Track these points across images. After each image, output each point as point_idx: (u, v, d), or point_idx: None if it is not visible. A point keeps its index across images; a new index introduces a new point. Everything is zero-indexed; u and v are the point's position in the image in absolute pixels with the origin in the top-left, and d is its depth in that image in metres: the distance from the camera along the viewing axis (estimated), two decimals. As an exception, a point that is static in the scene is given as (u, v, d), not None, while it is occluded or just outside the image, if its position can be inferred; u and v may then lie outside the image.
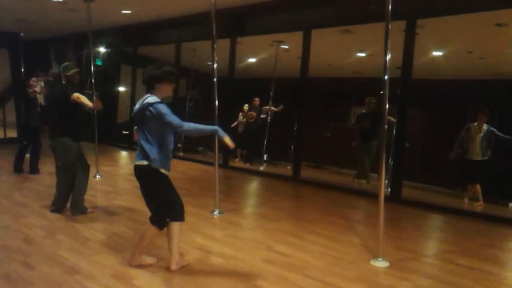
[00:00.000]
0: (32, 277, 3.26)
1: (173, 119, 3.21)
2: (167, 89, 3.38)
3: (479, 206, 6.70)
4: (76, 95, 4.85)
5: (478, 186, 6.80)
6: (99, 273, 3.38)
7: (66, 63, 5.17)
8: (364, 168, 7.96)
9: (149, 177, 3.33)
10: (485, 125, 6.75)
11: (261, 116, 9.73)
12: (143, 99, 3.29)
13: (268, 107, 9.45)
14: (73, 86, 5.04)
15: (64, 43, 12.86)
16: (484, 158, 6.75)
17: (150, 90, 3.33)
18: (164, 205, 3.42)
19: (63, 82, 5.05)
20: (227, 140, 3.40)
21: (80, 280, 3.24)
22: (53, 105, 5.14)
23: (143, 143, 3.27)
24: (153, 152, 3.25)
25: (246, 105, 9.89)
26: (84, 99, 4.92)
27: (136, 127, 3.56)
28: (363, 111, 8.17)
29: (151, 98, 3.25)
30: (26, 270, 3.39)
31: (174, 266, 3.42)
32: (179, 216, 3.42)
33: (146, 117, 3.24)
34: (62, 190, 4.98)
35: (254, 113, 9.64)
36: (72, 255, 3.74)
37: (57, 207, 5.00)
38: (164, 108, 3.22)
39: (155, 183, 3.36)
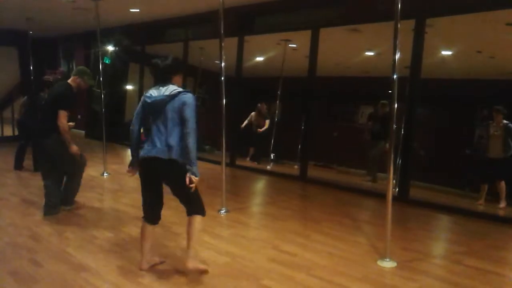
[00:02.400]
0: (39, 274, 3.28)
1: (193, 116, 3.16)
2: (180, 81, 3.38)
3: (502, 208, 6.36)
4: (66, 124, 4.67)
5: (503, 184, 6.49)
6: (106, 271, 3.39)
7: (86, 68, 5.01)
8: (372, 166, 8.08)
9: (173, 170, 3.20)
10: (504, 121, 6.53)
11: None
12: (166, 89, 3.20)
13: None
14: (74, 92, 4.86)
15: (72, 41, 12.93)
16: (505, 156, 6.49)
17: (165, 82, 3.26)
18: (193, 197, 3.31)
19: (69, 82, 4.84)
20: (195, 181, 3.19)
21: (87, 278, 3.25)
22: (49, 102, 4.85)
23: (162, 134, 3.18)
24: (173, 142, 3.16)
25: (253, 113, 9.67)
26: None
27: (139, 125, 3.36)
28: (376, 111, 8.25)
29: (178, 87, 3.23)
30: (34, 267, 3.41)
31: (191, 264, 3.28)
32: (203, 210, 3.36)
33: (172, 106, 3.15)
34: (55, 190, 4.86)
35: (264, 122, 9.51)
36: (79, 252, 3.76)
37: (55, 210, 4.85)
38: (193, 100, 3.19)
39: (181, 176, 3.17)
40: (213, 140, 10.71)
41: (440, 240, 4.99)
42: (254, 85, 10.89)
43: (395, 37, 3.81)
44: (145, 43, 11.13)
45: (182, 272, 3.42)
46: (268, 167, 8.88)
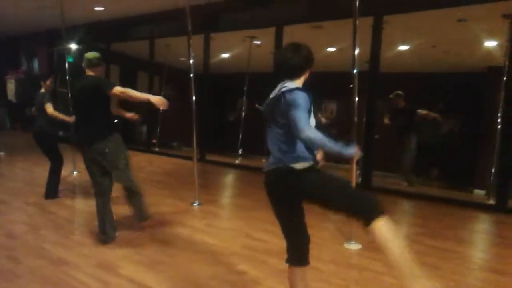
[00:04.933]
0: (19, 270, 3.34)
1: (301, 117, 2.34)
2: (306, 77, 2.67)
3: None
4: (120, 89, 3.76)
5: None
6: (85, 264, 3.49)
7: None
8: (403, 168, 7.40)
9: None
10: None
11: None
12: (279, 87, 2.52)
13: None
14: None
15: (35, 40, 12.64)
16: None
17: (290, 78, 2.58)
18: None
19: (91, 74, 4.18)
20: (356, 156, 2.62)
21: (67, 271, 3.34)
22: (83, 99, 4.05)
23: (279, 143, 2.55)
24: (299, 149, 2.50)
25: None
26: (132, 92, 3.79)
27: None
28: (398, 106, 7.33)
29: (291, 84, 2.49)
30: (13, 263, 3.46)
31: None
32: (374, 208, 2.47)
33: (278, 108, 2.48)
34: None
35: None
36: (57, 248, 3.82)
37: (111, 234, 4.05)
38: (301, 98, 2.39)
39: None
40: (181, 136, 10.80)
41: (401, 222, 5.31)
42: (220, 81, 11.03)
43: (354, 34, 4.08)
44: (111, 41, 11.05)
45: (159, 261, 3.57)
46: (237, 161, 9.05)
